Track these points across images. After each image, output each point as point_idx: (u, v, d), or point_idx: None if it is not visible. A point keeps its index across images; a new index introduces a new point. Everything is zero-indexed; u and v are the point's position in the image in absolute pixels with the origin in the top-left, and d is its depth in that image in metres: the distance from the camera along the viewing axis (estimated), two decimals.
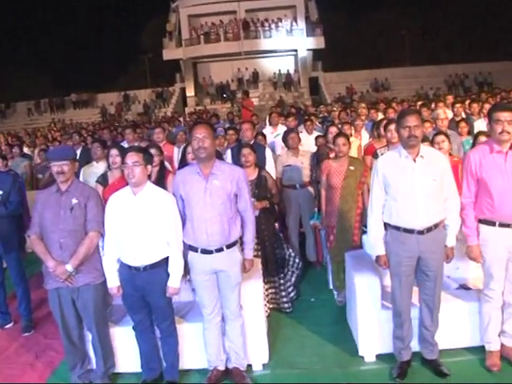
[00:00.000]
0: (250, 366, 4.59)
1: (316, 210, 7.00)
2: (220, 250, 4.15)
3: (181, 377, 4.51)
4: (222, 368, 4.45)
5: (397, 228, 4.17)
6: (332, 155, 6.45)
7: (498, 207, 4.13)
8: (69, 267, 4.16)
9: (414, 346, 4.49)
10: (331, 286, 6.23)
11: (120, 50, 46.45)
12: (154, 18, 45.64)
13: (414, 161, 4.06)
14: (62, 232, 4.19)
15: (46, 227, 4.23)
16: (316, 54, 38.58)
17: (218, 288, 4.30)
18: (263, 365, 4.65)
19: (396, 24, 44.34)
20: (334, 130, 6.99)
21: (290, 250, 5.92)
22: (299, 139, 7.05)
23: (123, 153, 5.67)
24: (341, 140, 5.71)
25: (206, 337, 4.39)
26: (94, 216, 4.25)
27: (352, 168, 5.73)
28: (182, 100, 38.45)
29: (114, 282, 4.26)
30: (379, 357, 4.64)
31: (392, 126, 5.69)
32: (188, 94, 38.01)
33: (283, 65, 37.63)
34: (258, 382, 4.44)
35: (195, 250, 4.19)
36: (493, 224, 4.20)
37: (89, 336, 4.54)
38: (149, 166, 4.16)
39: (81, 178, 7.15)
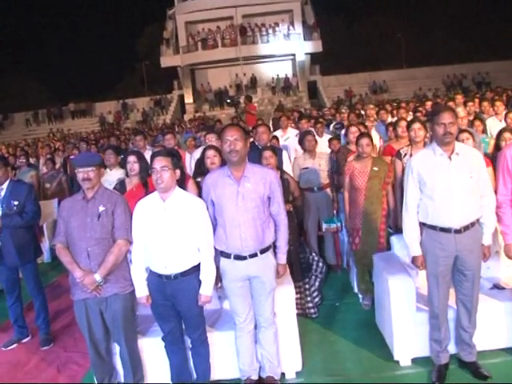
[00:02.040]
0: (282, 374, 4.45)
1: (335, 212, 6.91)
2: (254, 255, 4.02)
3: None
4: (255, 377, 4.32)
5: (433, 227, 4.05)
6: (351, 157, 6.35)
7: None
8: (97, 277, 4.02)
9: (451, 348, 4.37)
10: (356, 290, 6.12)
11: (117, 58, 46.62)
12: (151, 25, 45.68)
13: (450, 158, 3.96)
14: (90, 240, 4.05)
15: (73, 236, 4.09)
16: (313, 57, 38.54)
17: (251, 295, 4.17)
18: (296, 373, 4.52)
19: (392, 26, 44.47)
20: (354, 129, 6.86)
21: (314, 254, 5.82)
22: (316, 141, 6.95)
23: (140, 157, 5.64)
24: (364, 140, 5.60)
25: (239, 345, 4.25)
26: (121, 223, 4.11)
27: (376, 169, 5.62)
28: (181, 107, 38.39)
29: (143, 291, 4.12)
30: (415, 361, 4.53)
31: (416, 125, 5.59)
32: (186, 100, 37.92)
33: (281, 69, 37.57)
34: None
35: (228, 256, 4.06)
36: None
37: (116, 348, 4.40)
38: (177, 171, 4.03)
39: None
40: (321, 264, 5.80)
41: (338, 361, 4.74)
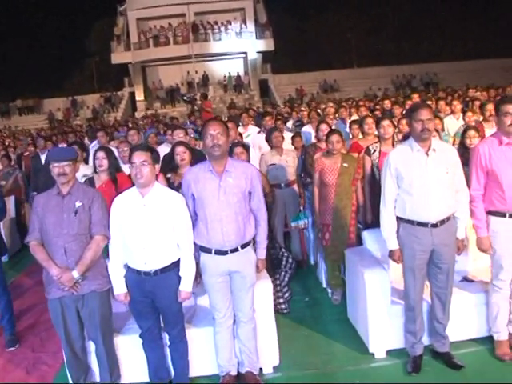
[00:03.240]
0: (260, 369, 4.45)
1: (301, 208, 6.97)
2: (235, 250, 4.01)
3: None
4: (234, 373, 4.30)
5: (410, 222, 4.14)
6: (318, 154, 6.41)
7: (508, 198, 4.16)
8: (75, 274, 3.92)
9: (424, 340, 4.46)
10: (324, 285, 6.20)
11: (65, 54, 45.26)
12: (100, 21, 44.80)
13: (427, 154, 4.05)
14: (67, 237, 3.94)
15: (49, 232, 3.97)
16: (265, 56, 38.63)
17: (231, 290, 4.16)
18: (274, 367, 4.53)
19: (342, 26, 45.01)
20: (324, 127, 6.90)
21: (283, 250, 5.84)
22: (283, 138, 6.99)
23: (109, 153, 5.55)
24: (334, 137, 5.65)
25: (218, 341, 4.23)
26: (99, 219, 4.02)
27: (346, 165, 5.68)
28: (132, 104, 37.84)
29: (121, 288, 4.05)
30: (389, 353, 4.61)
31: (385, 122, 5.71)
32: (137, 98, 37.36)
33: (233, 67, 37.60)
34: None
35: (208, 251, 4.04)
36: (503, 215, 4.22)
37: (91, 347, 4.31)
38: (157, 166, 3.99)
39: None
40: (290, 260, 5.81)
41: (314, 355, 4.78)
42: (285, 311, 5.61)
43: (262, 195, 4.15)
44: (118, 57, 37.42)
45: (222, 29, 36.72)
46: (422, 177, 4.02)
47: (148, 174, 3.88)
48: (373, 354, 4.62)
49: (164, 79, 37.46)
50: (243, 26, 36.93)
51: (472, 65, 36.73)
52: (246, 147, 6.34)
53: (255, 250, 4.22)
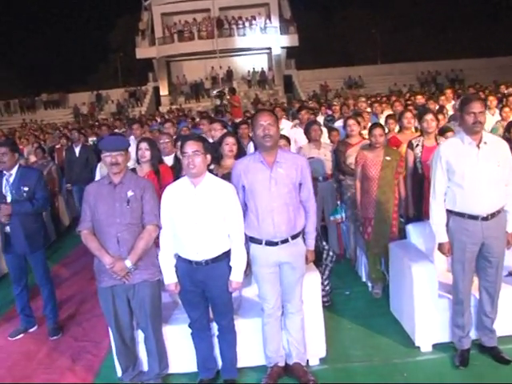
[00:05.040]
0: (306, 360, 4.45)
1: (338, 203, 6.95)
2: (285, 241, 4.01)
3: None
4: (282, 364, 4.31)
5: (461, 215, 4.11)
6: (354, 148, 6.41)
7: None
8: (128, 263, 3.96)
9: (471, 334, 4.42)
10: (364, 279, 6.18)
11: (90, 49, 45.74)
12: (124, 16, 45.12)
13: (478, 147, 4.01)
14: (119, 226, 3.97)
15: (101, 221, 4.01)
16: (289, 51, 38.54)
17: (281, 281, 4.16)
18: (320, 359, 4.53)
19: (366, 22, 44.76)
20: (351, 122, 6.83)
21: (324, 243, 5.82)
22: (321, 131, 6.98)
23: (152, 145, 5.59)
24: (377, 131, 5.63)
25: (267, 332, 4.23)
26: (151, 209, 4.05)
27: (388, 158, 5.65)
28: (156, 99, 38.01)
29: (171, 278, 4.07)
30: (435, 346, 4.59)
31: (428, 117, 5.67)
32: (162, 93, 37.51)
33: (257, 63, 37.52)
34: (318, 377, 4.30)
35: (259, 242, 4.04)
36: None
37: (140, 336, 4.36)
38: (208, 156, 4.00)
39: (98, 175, 6.97)
40: (331, 253, 5.80)
41: (359, 347, 4.77)
42: (326, 304, 5.59)
43: (311, 186, 4.14)
44: (143, 52, 37.58)
45: (247, 24, 36.65)
46: (473, 170, 3.99)
47: (200, 164, 3.89)
48: (419, 348, 4.60)
49: (188, 74, 37.48)
50: (268, 21, 36.82)
51: (498, 62, 36.28)
52: (288, 139, 6.38)
53: (304, 241, 4.22)
